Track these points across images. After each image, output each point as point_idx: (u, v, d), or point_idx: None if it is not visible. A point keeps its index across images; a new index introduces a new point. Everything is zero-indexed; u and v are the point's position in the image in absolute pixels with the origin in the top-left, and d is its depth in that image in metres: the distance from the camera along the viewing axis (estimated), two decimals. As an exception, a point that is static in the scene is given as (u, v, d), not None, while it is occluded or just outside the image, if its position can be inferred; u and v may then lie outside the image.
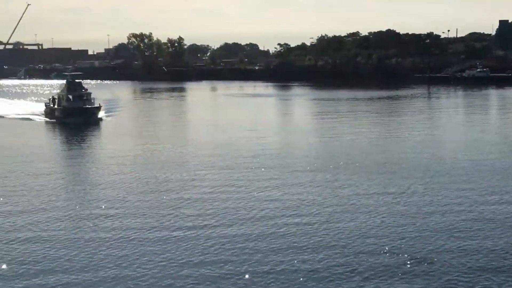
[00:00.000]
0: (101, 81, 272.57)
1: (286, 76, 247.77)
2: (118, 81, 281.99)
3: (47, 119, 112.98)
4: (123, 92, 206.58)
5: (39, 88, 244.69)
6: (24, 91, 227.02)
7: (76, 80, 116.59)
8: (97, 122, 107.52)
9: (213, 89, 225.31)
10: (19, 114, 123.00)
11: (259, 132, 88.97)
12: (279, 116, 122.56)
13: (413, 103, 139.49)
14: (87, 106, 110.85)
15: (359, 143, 76.24)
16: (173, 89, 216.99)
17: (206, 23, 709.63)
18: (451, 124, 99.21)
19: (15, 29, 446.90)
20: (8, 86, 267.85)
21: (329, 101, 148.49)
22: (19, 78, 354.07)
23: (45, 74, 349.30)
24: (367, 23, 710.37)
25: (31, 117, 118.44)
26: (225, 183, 53.19)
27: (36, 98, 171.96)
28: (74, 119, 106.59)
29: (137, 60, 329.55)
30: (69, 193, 50.78)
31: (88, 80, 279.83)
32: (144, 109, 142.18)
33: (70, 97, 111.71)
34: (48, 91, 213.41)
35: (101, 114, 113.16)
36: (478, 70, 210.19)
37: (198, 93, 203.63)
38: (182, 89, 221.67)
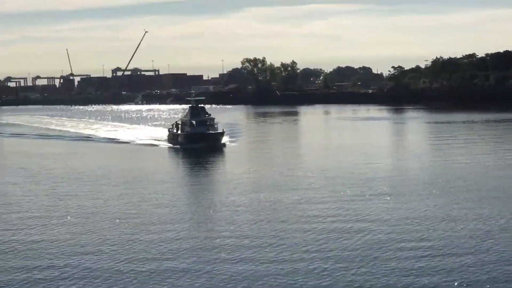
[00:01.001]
0: (215, 106, 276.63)
1: (400, 99, 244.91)
2: (231, 106, 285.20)
3: (171, 145, 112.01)
4: (238, 116, 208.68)
5: (156, 113, 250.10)
6: (144, 116, 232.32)
7: (200, 105, 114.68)
8: (220, 148, 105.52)
9: (326, 113, 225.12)
10: (142, 140, 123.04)
11: (372, 156, 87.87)
12: (393, 140, 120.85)
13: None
14: (211, 131, 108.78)
15: (475, 168, 74.06)
16: (286, 113, 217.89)
17: (319, 47, 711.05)
18: None
19: (133, 56, 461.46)
20: (127, 111, 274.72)
21: (445, 124, 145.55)
22: (137, 103, 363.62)
23: (162, 99, 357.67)
24: (484, 45, 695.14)
25: (154, 142, 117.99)
26: (345, 210, 52.43)
27: (155, 123, 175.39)
28: (197, 145, 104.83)
29: (251, 85, 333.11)
30: (193, 222, 49.99)
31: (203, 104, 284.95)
32: (262, 133, 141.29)
33: (194, 122, 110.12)
34: (165, 116, 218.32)
35: (224, 139, 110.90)
36: None
37: (312, 117, 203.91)
38: (295, 113, 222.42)
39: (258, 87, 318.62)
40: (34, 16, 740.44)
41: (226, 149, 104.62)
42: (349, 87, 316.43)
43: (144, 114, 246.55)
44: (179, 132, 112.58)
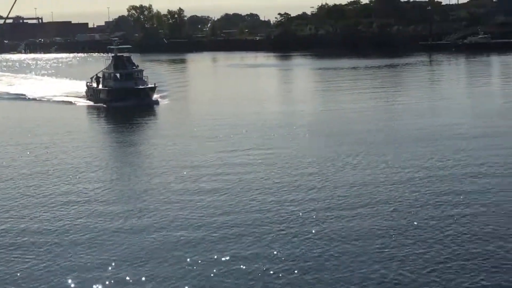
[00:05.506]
0: (102, 54, 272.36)
1: (287, 46, 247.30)
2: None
3: (91, 103, 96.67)
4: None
5: (44, 62, 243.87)
6: (32, 64, 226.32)
7: (125, 55, 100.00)
8: (152, 105, 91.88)
9: (215, 60, 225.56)
10: (53, 96, 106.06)
11: (260, 103, 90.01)
12: (280, 86, 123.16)
13: (414, 71, 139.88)
14: (140, 86, 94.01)
15: (359, 112, 77.03)
16: (175, 61, 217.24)
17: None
18: (452, 91, 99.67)
19: (14, 3, 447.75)
20: (12, 60, 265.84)
21: (330, 70, 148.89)
22: (20, 52, 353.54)
23: (46, 48, 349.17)
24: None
25: (70, 99, 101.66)
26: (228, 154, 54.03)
27: (44, 72, 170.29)
28: (124, 102, 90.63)
29: (138, 33, 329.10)
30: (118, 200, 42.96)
31: (89, 53, 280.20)
32: (178, 85, 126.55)
33: (118, 75, 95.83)
34: (54, 65, 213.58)
35: (156, 95, 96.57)
36: (480, 36, 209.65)
37: (202, 64, 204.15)
38: (184, 61, 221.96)
39: (145, 35, 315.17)
40: None
41: (159, 108, 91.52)
42: (236, 34, 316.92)
43: (31, 62, 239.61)
44: (100, 87, 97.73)
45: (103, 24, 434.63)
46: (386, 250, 31.55)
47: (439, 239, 32.74)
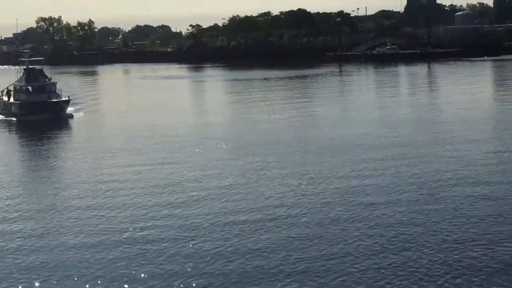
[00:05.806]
0: (10, 67, 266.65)
1: (199, 57, 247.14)
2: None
3: (1, 116, 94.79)
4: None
5: None
6: None
7: (37, 67, 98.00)
8: (66, 119, 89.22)
9: (126, 72, 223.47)
10: None
11: (173, 115, 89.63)
12: (193, 98, 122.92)
13: (325, 82, 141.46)
14: (53, 99, 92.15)
15: (271, 123, 77.48)
16: (86, 73, 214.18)
17: (117, 5, 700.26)
18: (362, 101, 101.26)
19: None
20: None
21: (242, 82, 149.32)
22: None
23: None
24: (279, 3, 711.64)
25: None
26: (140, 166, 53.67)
27: None
28: (37, 115, 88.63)
29: (47, 45, 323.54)
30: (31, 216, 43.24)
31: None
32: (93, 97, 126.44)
33: (30, 88, 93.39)
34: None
35: (70, 109, 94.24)
36: (388, 47, 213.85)
37: (114, 76, 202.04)
38: (95, 73, 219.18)
39: (55, 47, 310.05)
40: None
41: (73, 121, 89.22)
42: (148, 46, 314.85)
43: None
44: (11, 100, 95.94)
45: (11, 36, 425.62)
46: (290, 261, 31.73)
47: (345, 250, 33.13)
